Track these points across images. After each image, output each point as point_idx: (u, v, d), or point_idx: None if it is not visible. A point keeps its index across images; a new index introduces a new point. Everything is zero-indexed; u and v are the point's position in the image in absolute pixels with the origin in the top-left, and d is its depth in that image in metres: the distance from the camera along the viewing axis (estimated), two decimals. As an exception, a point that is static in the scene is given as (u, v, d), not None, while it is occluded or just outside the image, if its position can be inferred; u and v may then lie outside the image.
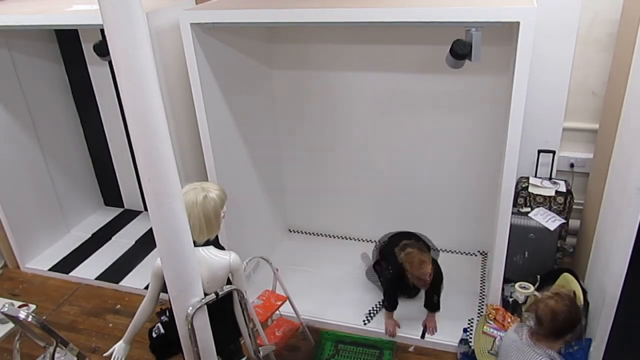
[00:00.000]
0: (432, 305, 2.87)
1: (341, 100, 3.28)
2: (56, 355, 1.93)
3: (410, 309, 3.01)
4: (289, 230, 3.87)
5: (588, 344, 2.55)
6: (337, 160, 3.51)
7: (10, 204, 3.53)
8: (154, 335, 2.19)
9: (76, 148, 4.10)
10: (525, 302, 2.83)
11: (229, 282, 1.99)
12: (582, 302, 2.39)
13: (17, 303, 3.25)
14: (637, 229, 2.22)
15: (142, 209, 4.31)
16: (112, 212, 4.34)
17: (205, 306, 1.73)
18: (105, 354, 2.15)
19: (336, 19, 2.27)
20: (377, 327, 2.93)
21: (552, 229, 2.89)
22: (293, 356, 2.84)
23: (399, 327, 2.91)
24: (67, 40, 3.77)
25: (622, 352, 2.57)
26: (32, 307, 3.27)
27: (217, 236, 2.03)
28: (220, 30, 2.67)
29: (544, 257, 2.98)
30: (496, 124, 2.94)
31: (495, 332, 2.64)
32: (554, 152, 3.09)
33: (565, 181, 3.09)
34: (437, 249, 3.20)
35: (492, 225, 2.91)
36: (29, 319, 1.88)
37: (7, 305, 2.32)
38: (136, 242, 3.93)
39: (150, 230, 1.57)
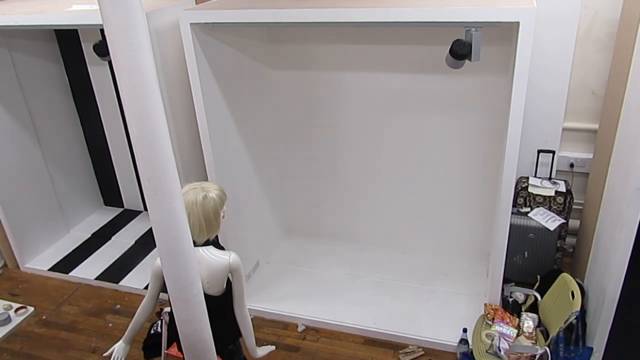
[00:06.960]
0: None
1: (341, 100, 3.28)
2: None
3: (410, 308, 3.02)
4: (289, 230, 3.86)
5: (589, 352, 2.52)
6: (337, 159, 3.51)
7: (10, 203, 3.53)
8: (152, 332, 2.19)
9: (76, 148, 4.10)
10: (525, 302, 2.84)
11: (229, 282, 1.99)
12: (579, 307, 2.38)
13: (16, 305, 3.28)
14: (637, 228, 2.22)
15: (142, 209, 4.31)
16: (112, 212, 4.34)
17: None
18: (105, 354, 2.15)
19: (336, 19, 2.27)
20: (378, 327, 2.94)
21: (551, 229, 2.89)
22: (293, 356, 2.84)
23: None
24: (67, 40, 3.77)
25: (622, 353, 2.57)
26: (31, 309, 3.28)
27: (217, 236, 2.03)
28: (220, 30, 2.68)
29: (543, 257, 2.99)
30: (496, 124, 2.94)
31: (503, 329, 2.62)
32: (553, 152, 3.09)
33: (565, 181, 3.10)
34: None
35: (492, 225, 2.91)
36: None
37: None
38: (136, 242, 3.93)
39: (150, 230, 1.56)
